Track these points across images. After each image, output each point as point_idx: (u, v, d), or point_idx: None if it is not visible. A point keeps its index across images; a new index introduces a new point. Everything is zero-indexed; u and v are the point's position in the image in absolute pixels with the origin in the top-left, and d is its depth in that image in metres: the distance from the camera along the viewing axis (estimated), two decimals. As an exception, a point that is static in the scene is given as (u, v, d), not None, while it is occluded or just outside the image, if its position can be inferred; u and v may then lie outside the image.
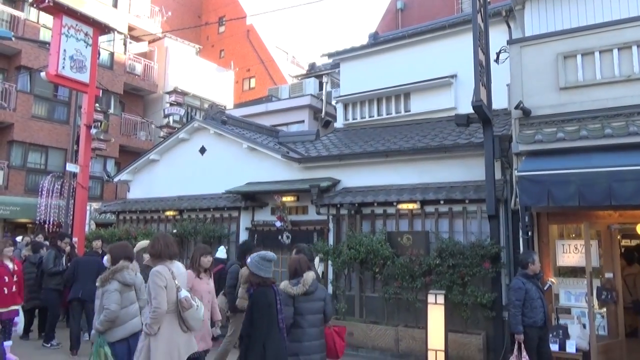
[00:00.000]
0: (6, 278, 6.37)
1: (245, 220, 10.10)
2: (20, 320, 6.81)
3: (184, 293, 3.87)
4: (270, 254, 4.19)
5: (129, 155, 18.38)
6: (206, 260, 5.14)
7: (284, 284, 4.28)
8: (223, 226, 10.24)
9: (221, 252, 7.82)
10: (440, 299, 6.70)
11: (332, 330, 4.58)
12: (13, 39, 11.76)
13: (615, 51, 6.10)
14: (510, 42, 7.10)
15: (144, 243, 5.07)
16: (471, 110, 6.78)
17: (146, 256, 4.83)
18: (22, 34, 16.11)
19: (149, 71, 21.03)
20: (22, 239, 10.64)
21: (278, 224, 9.29)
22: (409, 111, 10.74)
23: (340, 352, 4.60)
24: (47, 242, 9.36)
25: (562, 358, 5.91)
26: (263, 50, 28.40)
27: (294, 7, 20.85)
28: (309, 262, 4.83)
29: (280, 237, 9.37)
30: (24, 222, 16.86)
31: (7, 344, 6.34)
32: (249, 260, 4.21)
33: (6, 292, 6.32)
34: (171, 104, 19.07)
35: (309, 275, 4.29)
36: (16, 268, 6.69)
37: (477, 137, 7.87)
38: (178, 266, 4.07)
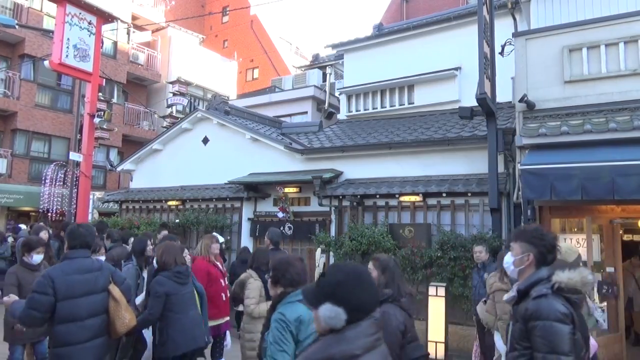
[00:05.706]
0: (222, 282, 5.13)
1: (247, 211, 10.13)
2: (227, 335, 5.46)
3: None
4: None
5: (132, 145, 18.41)
6: None
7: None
8: (225, 216, 10.27)
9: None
10: (441, 291, 6.73)
11: None
12: (17, 27, 11.71)
13: (622, 45, 6.04)
14: (516, 34, 7.04)
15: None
16: (475, 103, 6.76)
17: None
18: (26, 22, 16.07)
19: (152, 61, 20.98)
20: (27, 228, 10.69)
21: (280, 215, 9.31)
22: (413, 103, 10.70)
23: None
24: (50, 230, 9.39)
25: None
26: (267, 40, 28.27)
27: (298, -2, 20.74)
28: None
29: (282, 228, 9.39)
30: (27, 210, 16.94)
31: None
32: None
33: (224, 298, 5.07)
34: (174, 94, 19.04)
35: None
36: (224, 270, 5.49)
37: (481, 130, 7.85)
38: None
